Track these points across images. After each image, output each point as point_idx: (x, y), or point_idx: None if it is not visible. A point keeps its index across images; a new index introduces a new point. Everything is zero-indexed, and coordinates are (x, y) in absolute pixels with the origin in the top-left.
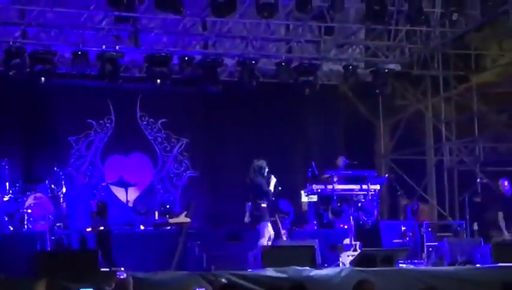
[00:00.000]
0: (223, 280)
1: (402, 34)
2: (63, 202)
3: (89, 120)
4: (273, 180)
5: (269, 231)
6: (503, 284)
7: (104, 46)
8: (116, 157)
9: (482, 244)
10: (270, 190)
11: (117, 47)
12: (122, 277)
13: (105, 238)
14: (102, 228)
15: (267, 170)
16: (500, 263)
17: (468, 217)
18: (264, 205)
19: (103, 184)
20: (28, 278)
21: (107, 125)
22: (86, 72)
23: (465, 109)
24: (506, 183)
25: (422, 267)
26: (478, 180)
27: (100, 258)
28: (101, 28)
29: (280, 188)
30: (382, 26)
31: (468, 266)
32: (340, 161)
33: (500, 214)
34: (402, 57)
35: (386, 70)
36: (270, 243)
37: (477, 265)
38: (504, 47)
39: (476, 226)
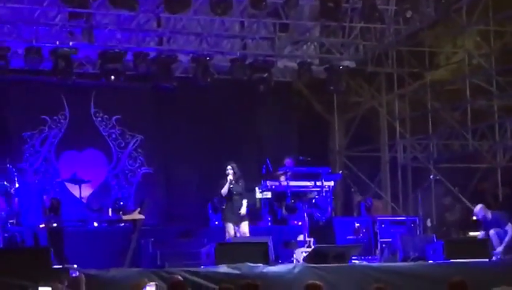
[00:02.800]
0: (179, 276)
1: (356, 31)
2: (15, 199)
3: (43, 116)
4: (228, 180)
5: (229, 231)
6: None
7: (57, 42)
8: (70, 153)
9: (435, 240)
10: (225, 191)
11: (70, 43)
12: (74, 274)
13: (57, 235)
14: (55, 224)
15: (228, 172)
16: (452, 259)
17: (421, 213)
18: (223, 207)
19: (57, 180)
20: None
21: (61, 121)
22: (40, 68)
23: (419, 106)
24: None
25: (375, 264)
26: (431, 176)
27: (52, 256)
28: (55, 24)
29: (232, 186)
30: (336, 23)
31: (420, 262)
32: (286, 162)
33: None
34: (356, 54)
35: (341, 67)
36: None
37: (430, 261)
38: (457, 44)
39: (429, 223)
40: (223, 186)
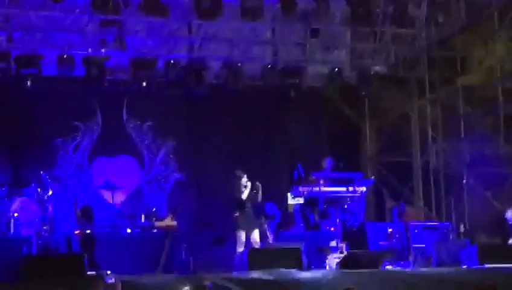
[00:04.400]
0: (207, 283)
1: (388, 36)
2: (49, 206)
3: (76, 123)
4: (248, 188)
5: (241, 240)
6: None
7: (89, 50)
8: (103, 159)
9: (468, 245)
10: (241, 198)
11: (103, 50)
12: (110, 281)
13: (90, 242)
14: (88, 231)
15: (244, 179)
16: (486, 264)
17: (454, 218)
18: (236, 215)
19: (90, 187)
20: (13, 283)
21: (94, 128)
22: (72, 76)
23: (451, 111)
24: None
25: (408, 269)
26: (464, 181)
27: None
28: (87, 32)
29: (254, 191)
30: (368, 29)
31: (454, 268)
32: (326, 163)
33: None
34: (388, 59)
35: (372, 73)
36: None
37: (464, 266)
38: (489, 49)
39: (462, 228)
40: (236, 193)
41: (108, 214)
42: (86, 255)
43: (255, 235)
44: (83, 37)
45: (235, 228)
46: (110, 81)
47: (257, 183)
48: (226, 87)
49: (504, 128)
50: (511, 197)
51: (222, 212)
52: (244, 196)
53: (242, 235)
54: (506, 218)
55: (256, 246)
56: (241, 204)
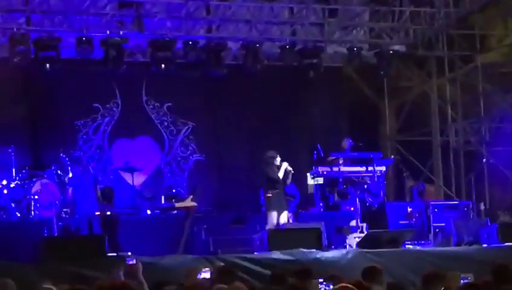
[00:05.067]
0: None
1: (406, 15)
2: (69, 188)
3: (95, 104)
4: (284, 166)
5: (272, 221)
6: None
7: (108, 32)
8: (123, 141)
9: (489, 224)
10: (279, 177)
11: (121, 32)
12: (131, 262)
13: (111, 223)
14: (108, 213)
15: (278, 159)
16: (507, 242)
17: (474, 197)
18: (269, 195)
19: (111, 168)
20: (35, 264)
21: (114, 109)
22: (91, 58)
23: (471, 89)
24: None
25: (428, 248)
26: (484, 160)
27: (107, 244)
28: (105, 14)
29: (292, 172)
30: (386, 8)
31: (474, 246)
32: (346, 142)
33: None
34: (406, 38)
35: (391, 52)
36: None
37: (484, 245)
38: (509, 26)
39: (482, 206)
40: (270, 173)
41: (128, 196)
42: (106, 236)
43: (284, 216)
44: (101, 19)
45: (268, 207)
46: (128, 63)
47: (288, 164)
48: (245, 67)
49: None
50: None
51: (242, 192)
52: (280, 175)
53: (274, 216)
54: None
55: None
56: (275, 184)
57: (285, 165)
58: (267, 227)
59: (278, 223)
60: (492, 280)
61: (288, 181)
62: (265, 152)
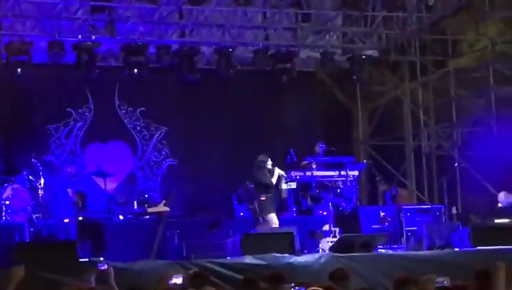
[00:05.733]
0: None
1: (379, 20)
2: (41, 193)
3: (68, 109)
4: (277, 172)
5: (274, 222)
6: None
7: (80, 36)
8: (96, 145)
9: (460, 228)
10: (272, 182)
11: (93, 37)
12: (103, 268)
13: (84, 229)
14: (81, 218)
15: (269, 163)
16: (478, 246)
17: (446, 201)
18: (262, 199)
19: (83, 173)
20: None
21: (86, 114)
22: (63, 62)
23: (443, 94)
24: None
25: (401, 252)
26: (456, 164)
27: (80, 249)
28: (77, 18)
29: (285, 175)
30: (359, 13)
31: (446, 250)
32: (318, 147)
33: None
34: (379, 43)
35: (363, 57)
36: None
37: (456, 249)
38: (481, 31)
39: (454, 210)
40: (262, 177)
41: (101, 201)
42: (79, 242)
43: (275, 219)
44: (73, 24)
45: (263, 211)
46: (101, 67)
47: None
48: (218, 72)
49: (495, 111)
50: (502, 179)
51: (215, 197)
52: (274, 180)
53: (273, 217)
54: (498, 201)
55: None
56: (268, 188)
57: (277, 170)
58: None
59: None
60: (476, 284)
61: (280, 185)
62: (256, 157)
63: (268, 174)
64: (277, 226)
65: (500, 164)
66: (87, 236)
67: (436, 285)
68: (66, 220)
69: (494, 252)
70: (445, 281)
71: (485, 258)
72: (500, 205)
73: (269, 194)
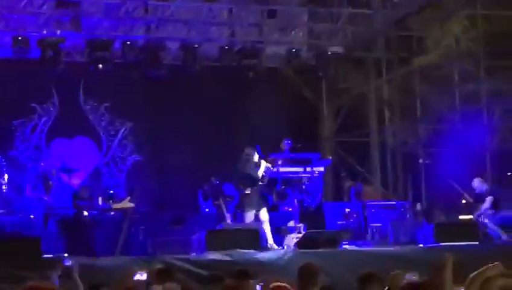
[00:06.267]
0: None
1: (344, 17)
2: (5, 188)
3: (32, 104)
4: (263, 164)
5: (250, 217)
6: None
7: (45, 31)
8: (60, 141)
9: (425, 224)
10: (258, 176)
11: (58, 32)
12: (67, 264)
13: (49, 224)
14: (47, 213)
15: (255, 156)
16: (442, 242)
17: (411, 197)
18: (247, 192)
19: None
20: None
21: (51, 109)
22: (28, 57)
23: (408, 90)
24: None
25: (365, 249)
26: (420, 161)
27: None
28: (42, 13)
29: (272, 169)
30: (324, 9)
31: (410, 246)
32: (284, 144)
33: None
34: (345, 40)
35: (329, 53)
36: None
37: (420, 245)
38: (446, 28)
39: (419, 207)
40: (248, 170)
41: (66, 196)
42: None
43: (264, 213)
44: (38, 19)
45: (245, 207)
46: (66, 63)
47: (263, 160)
48: (184, 68)
49: (460, 108)
50: (467, 176)
51: (181, 193)
52: (260, 173)
53: (251, 215)
54: (472, 187)
55: (266, 225)
56: (254, 181)
57: (264, 163)
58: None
59: (257, 221)
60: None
61: (265, 179)
62: (243, 149)
63: (254, 167)
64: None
65: (465, 160)
66: (51, 232)
67: (405, 281)
68: (32, 217)
69: (458, 248)
70: (414, 277)
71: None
72: (475, 191)
73: (255, 188)
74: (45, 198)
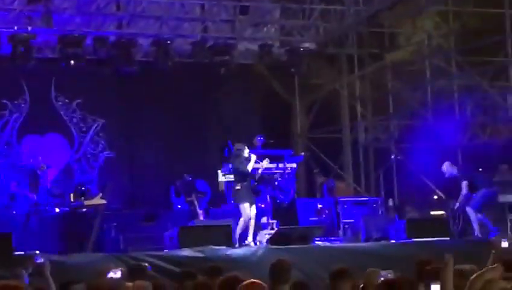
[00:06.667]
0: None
1: (317, 13)
2: None
3: (3, 100)
4: (253, 158)
5: (246, 211)
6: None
7: (16, 27)
8: (32, 137)
9: (397, 220)
10: (248, 170)
11: (29, 28)
12: (39, 261)
13: (20, 221)
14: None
15: (246, 151)
16: (414, 238)
17: (383, 193)
18: (237, 188)
19: (20, 164)
20: None
21: (22, 105)
22: None
23: (380, 86)
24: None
25: (337, 244)
26: (392, 157)
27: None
28: (13, 9)
29: (265, 160)
30: (297, 5)
31: (382, 242)
32: (257, 141)
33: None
34: (317, 36)
35: (301, 49)
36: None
37: (392, 241)
38: (417, 25)
39: (390, 202)
40: (239, 165)
41: (37, 193)
42: (14, 234)
43: (253, 209)
44: (8, 14)
45: (237, 200)
46: (37, 59)
47: (255, 157)
48: (156, 64)
49: (431, 104)
50: (438, 172)
51: (153, 190)
52: (250, 167)
53: (247, 207)
54: (442, 171)
55: (252, 221)
56: (245, 176)
57: (254, 157)
58: (243, 219)
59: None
60: (416, 274)
61: (257, 176)
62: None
63: (245, 162)
64: (247, 216)
65: (436, 156)
66: (22, 229)
67: (381, 278)
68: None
69: (430, 244)
70: (390, 274)
71: (420, 249)
72: (445, 176)
73: (245, 183)
74: (30, 195)
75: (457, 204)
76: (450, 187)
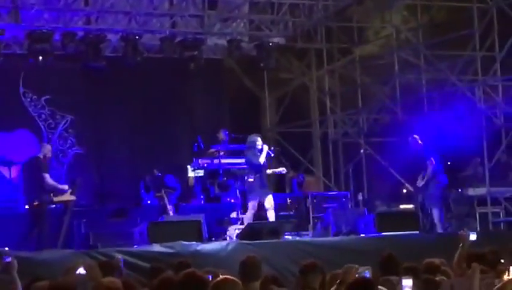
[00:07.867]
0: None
1: (285, 8)
2: None
3: None
4: (265, 149)
5: (254, 208)
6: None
7: None
8: (0, 133)
9: (366, 214)
10: (260, 162)
11: None
12: (7, 260)
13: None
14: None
15: (259, 143)
16: (383, 232)
17: (352, 187)
18: (250, 180)
19: None
20: None
21: None
22: None
23: (349, 81)
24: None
25: (307, 239)
26: (362, 151)
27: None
28: None
29: (272, 155)
30: (265, 0)
31: (352, 236)
32: (222, 134)
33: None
34: (286, 31)
35: (270, 44)
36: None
37: (361, 235)
38: (386, 19)
39: (360, 197)
40: (252, 157)
41: (5, 190)
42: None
43: (270, 200)
44: None
45: (250, 193)
46: (5, 55)
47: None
48: (125, 60)
49: (400, 98)
50: (407, 166)
51: (123, 186)
52: (262, 159)
53: (254, 202)
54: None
55: (271, 212)
56: (258, 168)
57: (266, 148)
58: (248, 213)
59: (262, 207)
60: (379, 270)
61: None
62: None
63: (258, 154)
64: (250, 214)
65: (405, 150)
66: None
67: (358, 275)
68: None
69: (399, 237)
70: (368, 271)
71: (390, 243)
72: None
73: (258, 175)
74: None
75: (422, 182)
76: (417, 163)
